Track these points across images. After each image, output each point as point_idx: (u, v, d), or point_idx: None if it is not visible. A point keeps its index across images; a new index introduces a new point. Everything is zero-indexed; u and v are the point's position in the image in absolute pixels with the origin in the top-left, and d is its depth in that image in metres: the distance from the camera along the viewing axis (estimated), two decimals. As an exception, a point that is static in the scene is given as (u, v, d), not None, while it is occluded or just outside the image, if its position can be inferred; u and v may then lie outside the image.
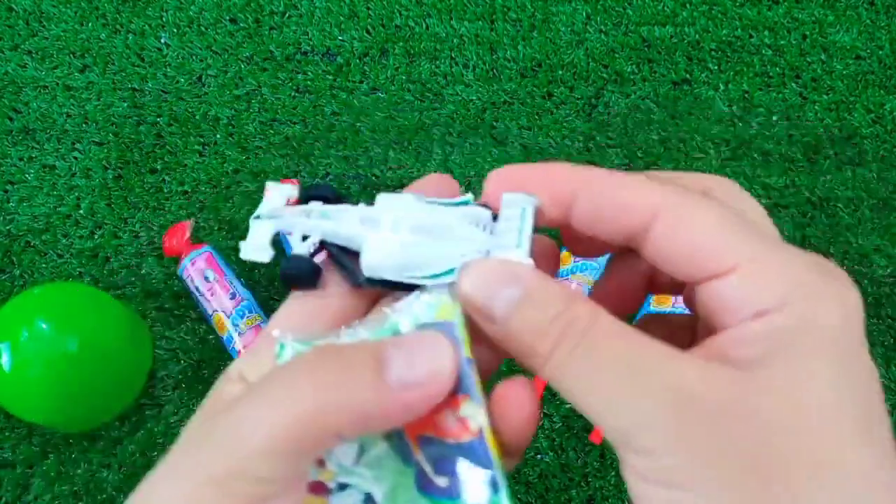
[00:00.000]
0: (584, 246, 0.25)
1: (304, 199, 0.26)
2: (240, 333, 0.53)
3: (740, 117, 0.63)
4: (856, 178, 0.62)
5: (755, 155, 0.62)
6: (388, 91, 0.63)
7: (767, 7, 0.66)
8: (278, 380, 0.20)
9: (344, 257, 0.25)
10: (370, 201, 0.25)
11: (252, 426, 0.19)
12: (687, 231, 0.21)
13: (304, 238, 0.25)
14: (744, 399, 0.19)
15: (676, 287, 0.25)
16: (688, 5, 0.66)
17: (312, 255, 0.25)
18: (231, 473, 0.19)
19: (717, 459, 0.19)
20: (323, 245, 0.25)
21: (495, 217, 0.24)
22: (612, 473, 0.55)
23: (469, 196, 0.24)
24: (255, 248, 0.25)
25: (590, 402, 0.20)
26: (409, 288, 0.23)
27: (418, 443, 0.22)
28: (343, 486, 0.21)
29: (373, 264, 0.23)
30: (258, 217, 0.26)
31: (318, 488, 0.21)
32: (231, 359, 0.56)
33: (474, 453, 0.21)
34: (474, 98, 0.63)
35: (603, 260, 0.56)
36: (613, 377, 0.19)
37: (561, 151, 0.62)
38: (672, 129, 0.63)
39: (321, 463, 0.21)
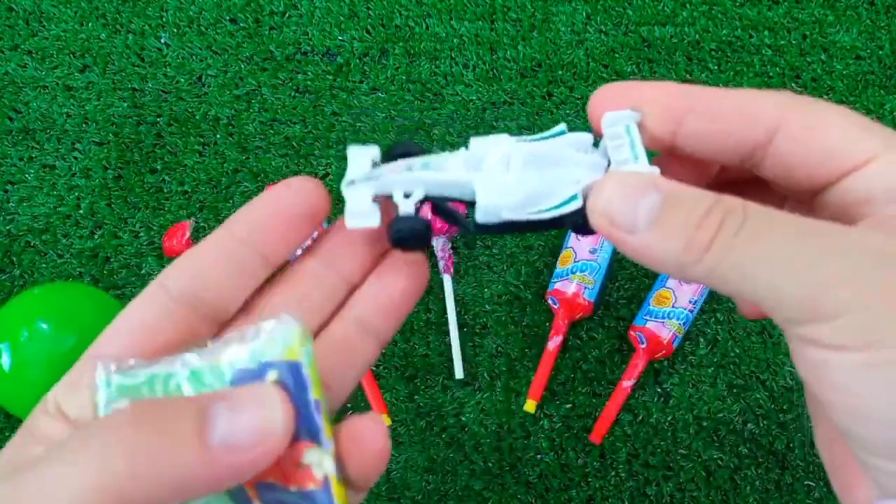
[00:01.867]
0: (688, 171, 0.25)
1: (388, 158, 0.24)
2: (240, 333, 0.53)
3: (740, 117, 0.63)
4: (856, 178, 0.62)
5: (755, 155, 0.62)
6: (388, 91, 0.63)
7: (767, 7, 0.66)
8: (88, 439, 0.17)
9: (451, 208, 0.24)
10: (464, 146, 0.24)
11: (53, 492, 0.17)
12: (819, 132, 0.21)
13: (406, 196, 0.23)
14: None
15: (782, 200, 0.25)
16: (688, 5, 0.66)
17: (416, 211, 0.23)
18: None
19: None
20: (427, 199, 0.23)
21: (596, 143, 0.23)
22: (612, 473, 0.55)
23: (563, 126, 0.24)
24: (361, 214, 0.23)
25: (761, 280, 0.19)
26: (529, 227, 0.23)
27: (256, 490, 0.20)
28: None
29: (490, 205, 0.22)
30: (352, 182, 0.23)
31: None
32: (231, 359, 0.56)
33: (318, 502, 0.20)
34: (474, 98, 0.63)
35: (606, 258, 0.56)
36: (791, 247, 0.19)
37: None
38: (672, 129, 0.63)
39: None
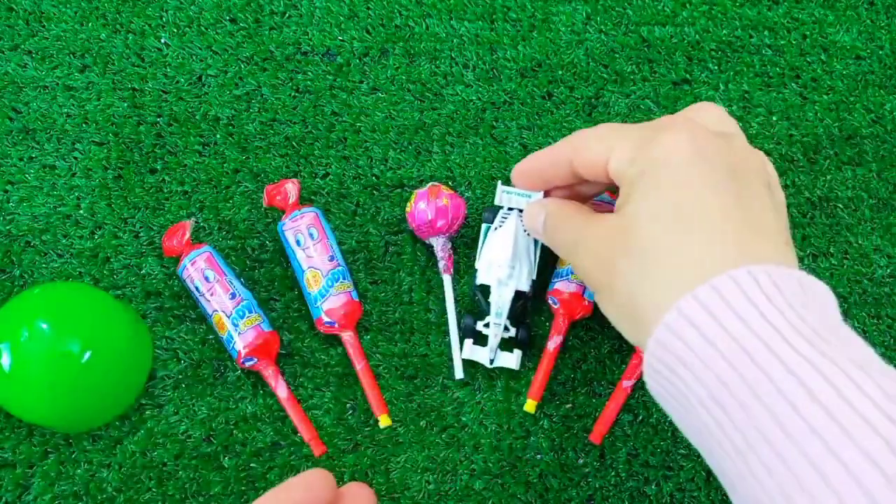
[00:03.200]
0: (588, 188, 0.48)
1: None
2: (240, 333, 0.53)
3: (740, 117, 0.63)
4: (856, 178, 0.62)
5: (755, 155, 0.62)
6: (388, 91, 0.63)
7: (767, 7, 0.66)
8: None
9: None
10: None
11: None
12: (584, 151, 0.42)
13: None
14: (619, 220, 0.38)
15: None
16: (688, 5, 0.66)
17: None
18: None
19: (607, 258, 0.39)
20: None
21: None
22: (612, 473, 0.55)
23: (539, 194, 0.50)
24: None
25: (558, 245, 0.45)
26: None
27: None
28: None
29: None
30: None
31: None
32: (231, 359, 0.56)
33: None
34: (474, 98, 0.63)
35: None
36: (564, 232, 0.44)
37: (561, 151, 0.62)
38: (672, 129, 0.63)
39: None
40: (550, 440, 0.55)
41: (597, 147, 0.40)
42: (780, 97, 0.64)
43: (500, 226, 0.53)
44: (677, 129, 0.37)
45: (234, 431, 0.55)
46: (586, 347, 0.57)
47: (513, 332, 0.55)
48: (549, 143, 0.62)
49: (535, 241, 0.53)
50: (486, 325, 0.54)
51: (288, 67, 0.63)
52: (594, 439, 0.55)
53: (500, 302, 0.52)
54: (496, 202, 0.52)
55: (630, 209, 0.37)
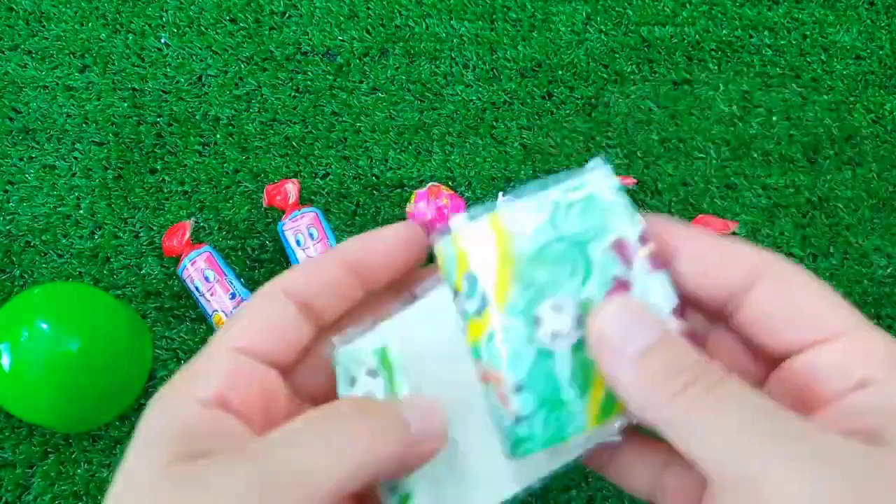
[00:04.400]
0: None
1: None
2: (240, 333, 0.53)
3: (740, 117, 0.63)
4: (856, 178, 0.62)
5: (755, 155, 0.62)
6: (388, 91, 0.63)
7: (767, 7, 0.66)
8: (339, 428, 0.21)
9: None
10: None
11: (322, 470, 0.20)
12: (792, 293, 0.22)
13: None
14: (879, 464, 0.19)
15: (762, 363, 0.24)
16: (688, 5, 0.66)
17: None
18: None
19: None
20: None
21: None
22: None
23: None
24: None
25: (709, 443, 0.20)
26: None
27: None
28: None
29: None
30: None
31: None
32: (231, 359, 0.56)
33: None
34: (474, 98, 0.63)
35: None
36: (748, 422, 0.19)
37: (561, 151, 0.62)
38: (672, 129, 0.63)
39: None
40: (550, 440, 0.55)
41: (811, 307, 0.22)
42: (780, 97, 0.64)
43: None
44: None
45: (234, 431, 0.55)
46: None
47: None
48: (549, 143, 0.62)
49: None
50: None
51: (288, 67, 0.63)
52: (594, 439, 0.55)
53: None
54: None
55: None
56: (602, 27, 0.65)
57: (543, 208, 0.23)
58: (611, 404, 0.22)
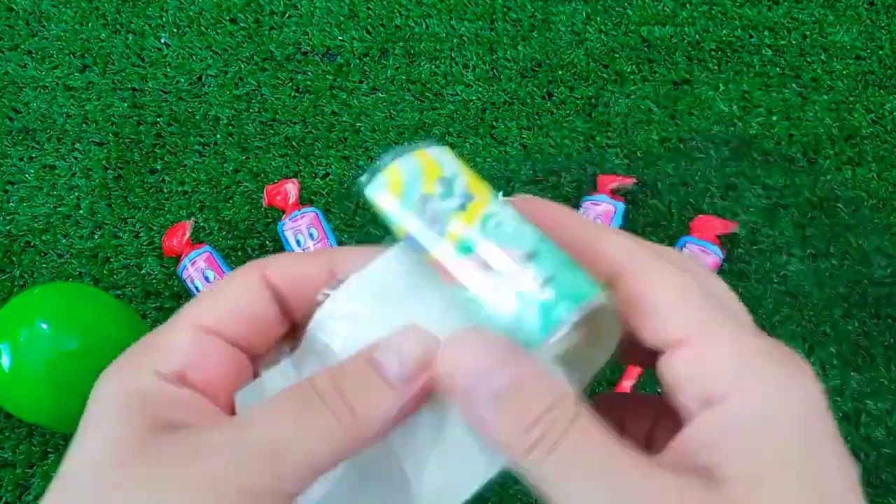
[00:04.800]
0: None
1: None
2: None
3: (740, 117, 0.63)
4: (856, 178, 0.62)
5: (755, 155, 0.62)
6: (388, 91, 0.63)
7: (767, 7, 0.66)
8: (317, 412, 0.19)
9: None
10: None
11: (300, 449, 0.19)
12: (648, 291, 0.20)
13: None
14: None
15: (646, 358, 0.22)
16: (688, 5, 0.66)
17: None
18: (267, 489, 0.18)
19: None
20: None
21: None
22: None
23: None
24: None
25: None
26: None
27: None
28: None
29: None
30: None
31: None
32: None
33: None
34: (474, 98, 0.63)
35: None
36: (587, 488, 0.18)
37: (561, 151, 0.62)
38: (672, 129, 0.63)
39: None
40: (550, 440, 0.55)
41: (666, 305, 0.20)
42: (780, 97, 0.64)
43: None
44: (806, 375, 0.20)
45: (234, 431, 0.55)
46: (586, 347, 0.57)
47: None
48: (550, 143, 0.62)
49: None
50: None
51: (288, 67, 0.63)
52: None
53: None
54: None
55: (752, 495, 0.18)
56: (602, 27, 0.65)
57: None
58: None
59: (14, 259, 0.58)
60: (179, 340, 0.22)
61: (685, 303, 0.20)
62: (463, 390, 0.20)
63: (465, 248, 0.21)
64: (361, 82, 0.63)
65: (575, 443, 0.19)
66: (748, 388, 0.18)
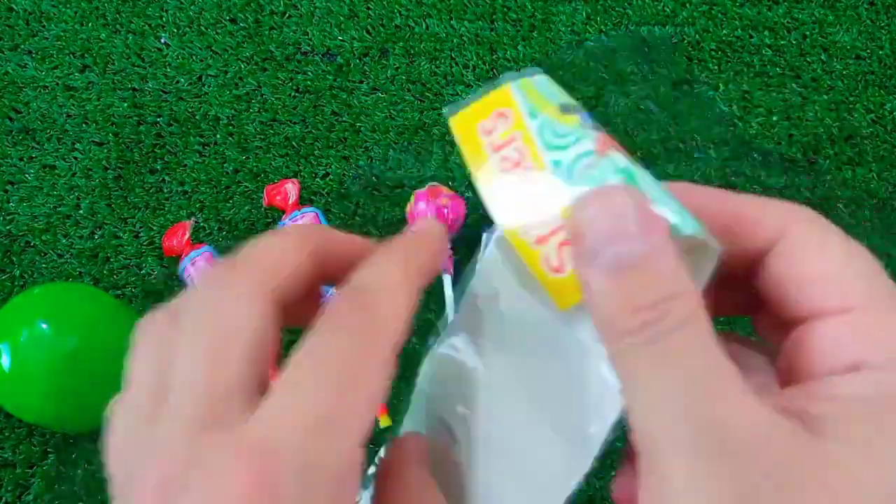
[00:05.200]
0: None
1: None
2: (240, 333, 0.53)
3: (740, 117, 0.63)
4: (856, 178, 0.62)
5: (755, 155, 0.62)
6: (387, 91, 0.63)
7: (767, 7, 0.66)
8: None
9: None
10: None
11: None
12: (812, 256, 0.19)
13: None
14: (798, 465, 0.16)
15: (778, 330, 0.21)
16: (688, 5, 0.66)
17: None
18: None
19: None
20: None
21: None
22: (612, 474, 0.55)
23: None
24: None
25: (634, 410, 0.18)
26: None
27: None
28: None
29: None
30: None
31: None
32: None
33: None
34: (474, 98, 0.63)
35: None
36: (670, 395, 0.17)
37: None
38: (672, 129, 0.63)
39: None
40: (550, 440, 0.55)
41: (827, 271, 0.19)
42: (780, 97, 0.64)
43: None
44: None
45: (234, 431, 0.55)
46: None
47: None
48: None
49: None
50: None
51: (288, 67, 0.63)
52: (594, 439, 0.55)
53: None
54: None
55: (861, 457, 0.17)
56: (602, 27, 0.65)
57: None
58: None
59: (14, 259, 0.58)
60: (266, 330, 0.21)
61: (853, 270, 0.19)
62: (586, 245, 0.18)
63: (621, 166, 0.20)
64: (361, 82, 0.63)
65: (681, 343, 0.17)
66: None
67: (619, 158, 0.19)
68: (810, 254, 0.19)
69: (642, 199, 0.18)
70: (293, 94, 0.63)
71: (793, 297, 0.19)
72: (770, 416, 0.17)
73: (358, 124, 0.62)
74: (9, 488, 0.52)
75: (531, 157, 0.20)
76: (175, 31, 0.64)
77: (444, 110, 0.22)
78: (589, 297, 0.18)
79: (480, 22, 0.65)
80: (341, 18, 0.65)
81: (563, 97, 0.21)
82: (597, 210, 0.18)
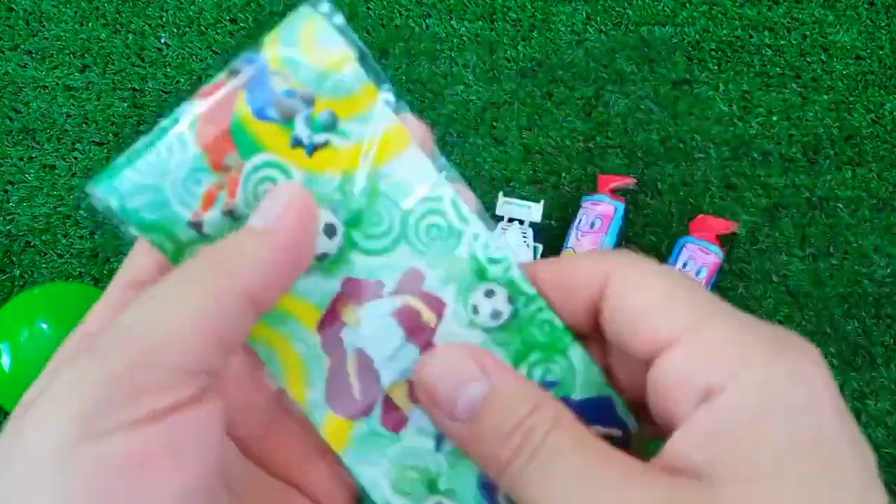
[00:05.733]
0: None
1: None
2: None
3: (740, 117, 0.63)
4: (856, 178, 0.62)
5: (755, 155, 0.62)
6: (388, 91, 0.63)
7: (767, 7, 0.66)
8: (189, 269, 0.18)
9: None
10: None
11: (172, 306, 0.17)
12: (633, 295, 0.19)
13: None
14: None
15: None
16: (688, 5, 0.66)
17: None
18: (137, 365, 0.16)
19: None
20: None
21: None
22: None
23: None
24: None
25: None
26: None
27: None
28: None
29: None
30: None
31: (413, 394, 0.20)
32: (231, 359, 0.56)
33: None
34: (474, 98, 0.63)
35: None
36: (570, 495, 0.17)
37: (561, 151, 0.62)
38: (672, 129, 0.63)
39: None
40: (550, 440, 0.55)
41: (648, 306, 0.19)
42: (780, 97, 0.64)
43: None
44: (812, 359, 0.18)
45: (234, 431, 0.55)
46: (586, 347, 0.57)
47: None
48: (549, 143, 0.62)
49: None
50: None
51: (288, 67, 0.63)
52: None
53: None
54: (497, 212, 0.49)
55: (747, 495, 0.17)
56: (602, 27, 0.65)
57: None
58: None
59: (14, 259, 0.58)
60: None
61: (672, 300, 0.19)
62: (442, 406, 0.19)
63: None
64: (361, 82, 0.63)
65: (555, 448, 0.18)
66: (747, 378, 0.17)
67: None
68: (630, 292, 0.19)
69: (472, 347, 0.20)
70: (293, 94, 0.63)
71: (626, 338, 0.19)
72: (661, 488, 0.17)
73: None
74: (9, 488, 0.52)
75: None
76: (175, 31, 0.64)
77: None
78: (462, 446, 0.19)
79: (480, 22, 0.65)
80: (341, 18, 0.65)
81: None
82: (433, 373, 0.19)
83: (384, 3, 0.65)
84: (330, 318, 0.20)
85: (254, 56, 0.21)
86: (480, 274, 0.20)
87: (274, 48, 0.21)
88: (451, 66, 0.64)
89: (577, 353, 0.21)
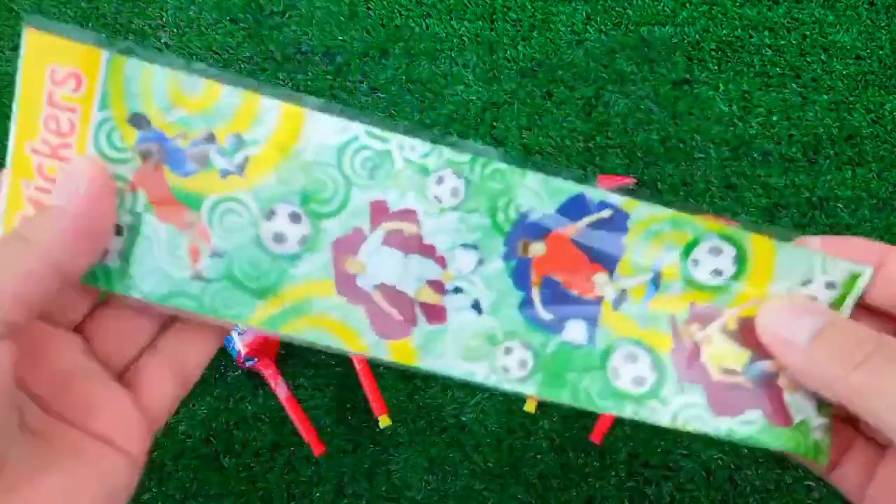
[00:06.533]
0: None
1: None
2: (240, 334, 0.53)
3: (740, 117, 0.63)
4: (856, 178, 0.62)
5: (755, 155, 0.62)
6: (388, 91, 0.63)
7: (767, 7, 0.66)
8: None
9: None
10: None
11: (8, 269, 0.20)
12: None
13: None
14: None
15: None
16: (688, 5, 0.66)
17: None
18: None
19: None
20: None
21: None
22: (612, 473, 0.55)
23: None
24: None
25: (881, 401, 0.21)
26: None
27: (541, 277, 0.25)
28: (457, 290, 0.24)
29: None
30: None
31: (437, 287, 0.24)
32: (231, 358, 0.56)
33: (586, 312, 0.25)
34: (474, 98, 0.63)
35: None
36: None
37: (561, 151, 0.62)
38: (672, 129, 0.63)
39: (443, 263, 0.24)
40: (550, 440, 0.55)
41: None
42: (780, 97, 0.64)
43: None
44: None
45: (234, 431, 0.55)
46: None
47: None
48: (549, 143, 0.62)
49: None
50: None
51: (288, 67, 0.63)
52: (594, 439, 0.55)
53: None
54: None
55: None
56: (602, 27, 0.65)
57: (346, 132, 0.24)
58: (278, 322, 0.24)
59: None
60: None
61: None
62: (783, 339, 0.23)
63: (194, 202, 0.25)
64: (361, 82, 0.63)
65: (886, 356, 0.22)
66: None
67: (142, 196, 0.23)
68: None
69: (795, 296, 0.24)
70: (293, 94, 0.63)
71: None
72: None
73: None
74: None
75: (78, 140, 0.23)
76: (175, 31, 0.64)
77: (26, 18, 0.24)
78: (802, 375, 0.23)
79: (480, 22, 0.65)
80: (341, 18, 0.65)
81: (141, 103, 0.24)
82: (773, 314, 0.24)
83: (384, 3, 0.65)
84: (341, 278, 0.24)
85: (149, 134, 0.23)
86: (423, 171, 0.24)
87: (157, 117, 0.24)
88: (451, 66, 0.64)
89: (532, 178, 0.25)
